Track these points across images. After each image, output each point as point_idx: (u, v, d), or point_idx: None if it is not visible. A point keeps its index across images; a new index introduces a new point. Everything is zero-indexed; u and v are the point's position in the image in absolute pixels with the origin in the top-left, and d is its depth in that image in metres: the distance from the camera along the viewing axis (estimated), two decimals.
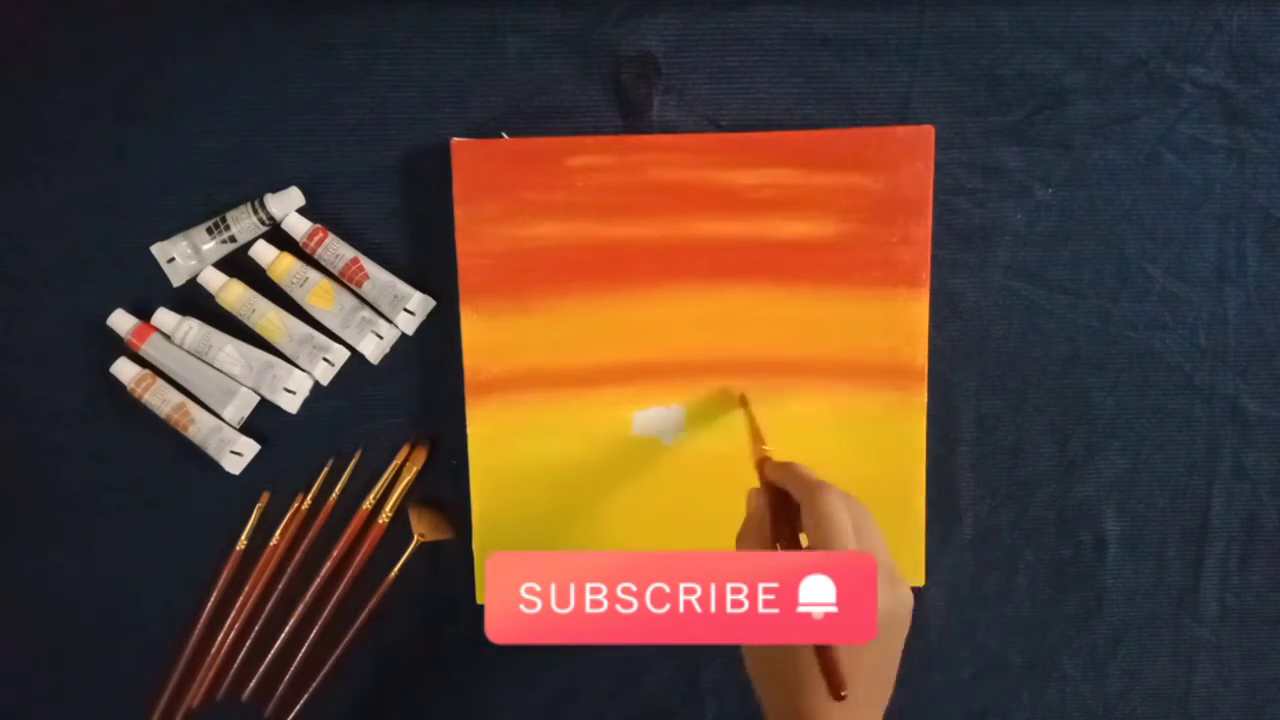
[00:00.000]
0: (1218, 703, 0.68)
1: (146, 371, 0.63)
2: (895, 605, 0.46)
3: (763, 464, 0.52)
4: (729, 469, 0.64)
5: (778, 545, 0.49)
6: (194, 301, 0.63)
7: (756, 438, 0.56)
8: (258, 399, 0.63)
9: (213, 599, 0.65)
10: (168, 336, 0.62)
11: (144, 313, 0.63)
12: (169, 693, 0.65)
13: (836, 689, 0.43)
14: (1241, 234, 0.65)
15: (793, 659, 0.45)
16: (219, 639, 0.65)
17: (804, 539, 0.48)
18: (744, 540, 0.50)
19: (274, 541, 0.65)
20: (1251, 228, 0.65)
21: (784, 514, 0.49)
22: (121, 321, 0.62)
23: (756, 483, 0.52)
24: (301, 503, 0.65)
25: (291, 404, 0.63)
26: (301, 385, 0.63)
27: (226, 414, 0.63)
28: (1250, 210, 0.64)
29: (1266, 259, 0.65)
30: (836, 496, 0.47)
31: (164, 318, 0.62)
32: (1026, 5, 0.63)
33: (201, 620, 0.65)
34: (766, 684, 0.48)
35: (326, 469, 0.65)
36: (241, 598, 0.65)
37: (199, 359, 0.63)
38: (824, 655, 0.44)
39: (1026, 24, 0.63)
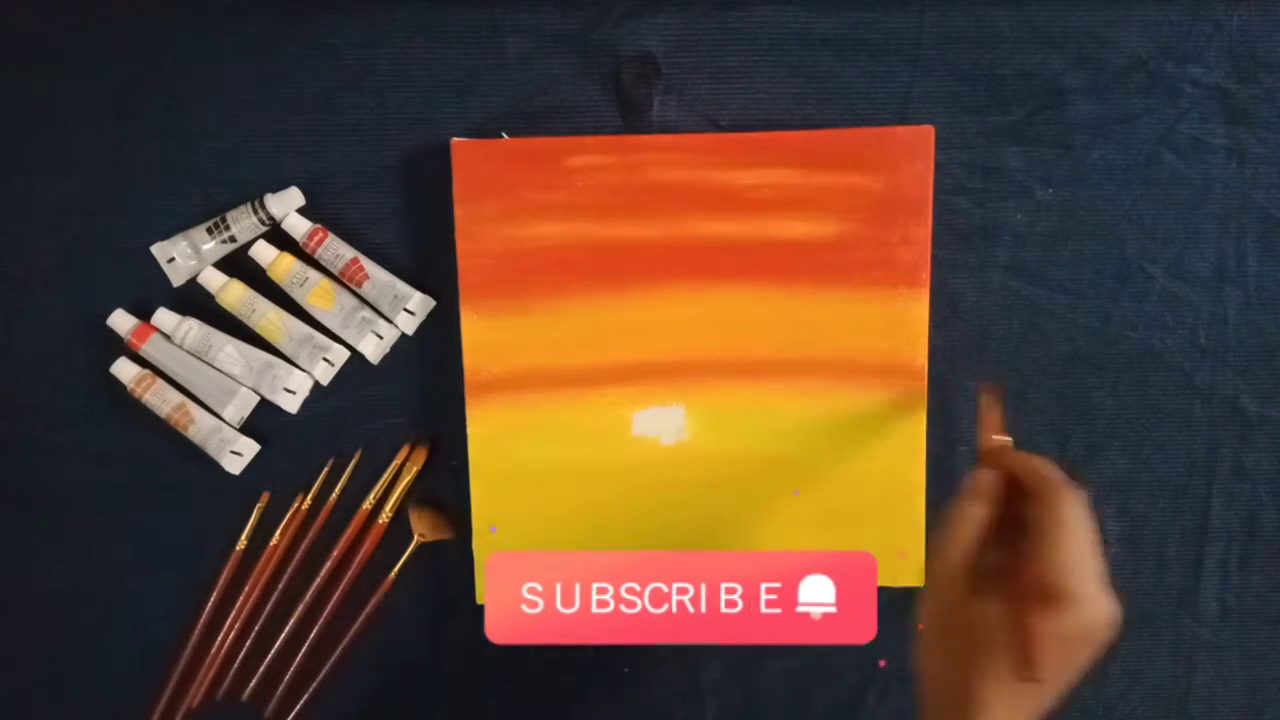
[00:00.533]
0: (1218, 703, 0.68)
1: (146, 371, 0.63)
2: (1111, 615, 0.45)
3: (1005, 452, 0.50)
4: (729, 469, 0.64)
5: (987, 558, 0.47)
6: (194, 301, 0.63)
7: (992, 431, 0.53)
8: (258, 399, 0.63)
9: (213, 599, 0.65)
10: (168, 336, 0.62)
11: (144, 313, 0.63)
12: (169, 693, 0.65)
13: (1032, 672, 0.43)
14: (1241, 234, 0.65)
15: (983, 634, 0.45)
16: (219, 639, 0.65)
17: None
18: (967, 506, 0.48)
19: (274, 541, 0.65)
20: (1251, 228, 0.65)
21: (1005, 521, 0.48)
22: (121, 321, 0.62)
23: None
24: (301, 503, 0.65)
25: (291, 404, 0.64)
26: (301, 385, 0.63)
27: (226, 414, 0.63)
28: (1250, 210, 0.64)
29: (1266, 259, 0.65)
30: (1080, 499, 0.46)
31: (164, 318, 0.62)
32: (1026, 5, 0.63)
33: (201, 620, 0.65)
34: (944, 654, 0.47)
35: (326, 469, 0.65)
36: (241, 598, 0.65)
37: (199, 359, 0.63)
38: (1029, 638, 0.43)
39: (1026, 24, 0.63)
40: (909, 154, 0.62)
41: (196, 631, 0.65)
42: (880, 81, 0.63)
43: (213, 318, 0.63)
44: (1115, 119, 0.64)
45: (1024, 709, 0.45)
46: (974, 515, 0.48)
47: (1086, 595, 0.44)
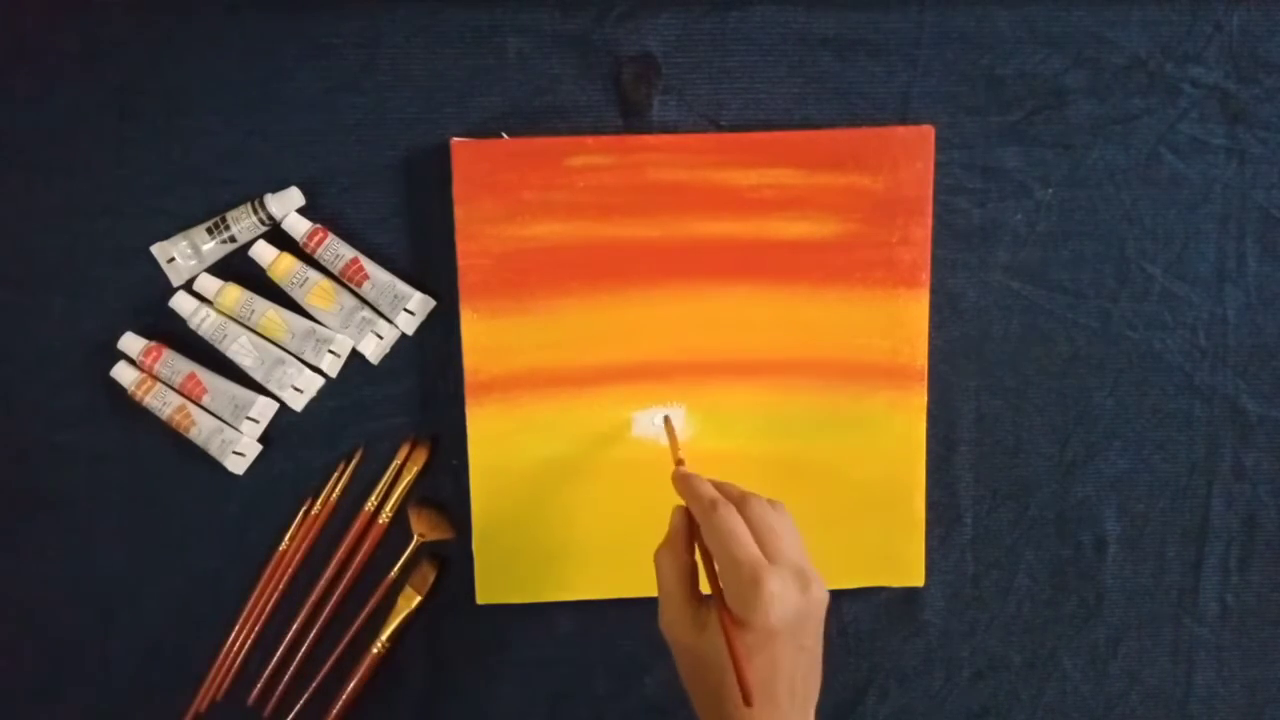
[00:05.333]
0: (1218, 703, 0.68)
1: (146, 375, 0.63)
2: (809, 605, 0.46)
3: (675, 479, 0.53)
4: (729, 469, 0.63)
5: (696, 558, 0.50)
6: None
7: (674, 454, 0.57)
8: (277, 406, 0.63)
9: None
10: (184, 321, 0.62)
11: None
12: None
13: (746, 698, 0.44)
14: (1241, 234, 0.65)
15: (717, 669, 0.46)
16: (228, 643, 0.65)
17: None
18: (661, 554, 0.51)
19: (283, 547, 0.64)
20: (1251, 228, 0.65)
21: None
22: (132, 344, 0.62)
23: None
24: (310, 507, 0.64)
25: (298, 402, 0.63)
26: (310, 384, 0.63)
27: (244, 428, 0.63)
28: (1250, 210, 0.65)
29: (1266, 259, 0.65)
30: (726, 512, 0.48)
31: (182, 301, 0.62)
32: (1026, 5, 0.63)
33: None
34: (697, 694, 0.49)
35: (337, 473, 0.64)
36: (251, 602, 0.65)
37: (211, 371, 0.63)
38: (735, 665, 0.44)
39: (1026, 24, 0.63)
40: (909, 154, 0.62)
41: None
42: (880, 81, 0.63)
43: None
44: (1115, 119, 0.64)
45: (797, 715, 0.46)
46: (676, 559, 0.50)
47: (751, 599, 0.45)
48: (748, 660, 0.45)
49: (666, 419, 0.62)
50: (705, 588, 0.50)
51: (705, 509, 0.49)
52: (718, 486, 0.51)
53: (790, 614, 0.45)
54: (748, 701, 0.44)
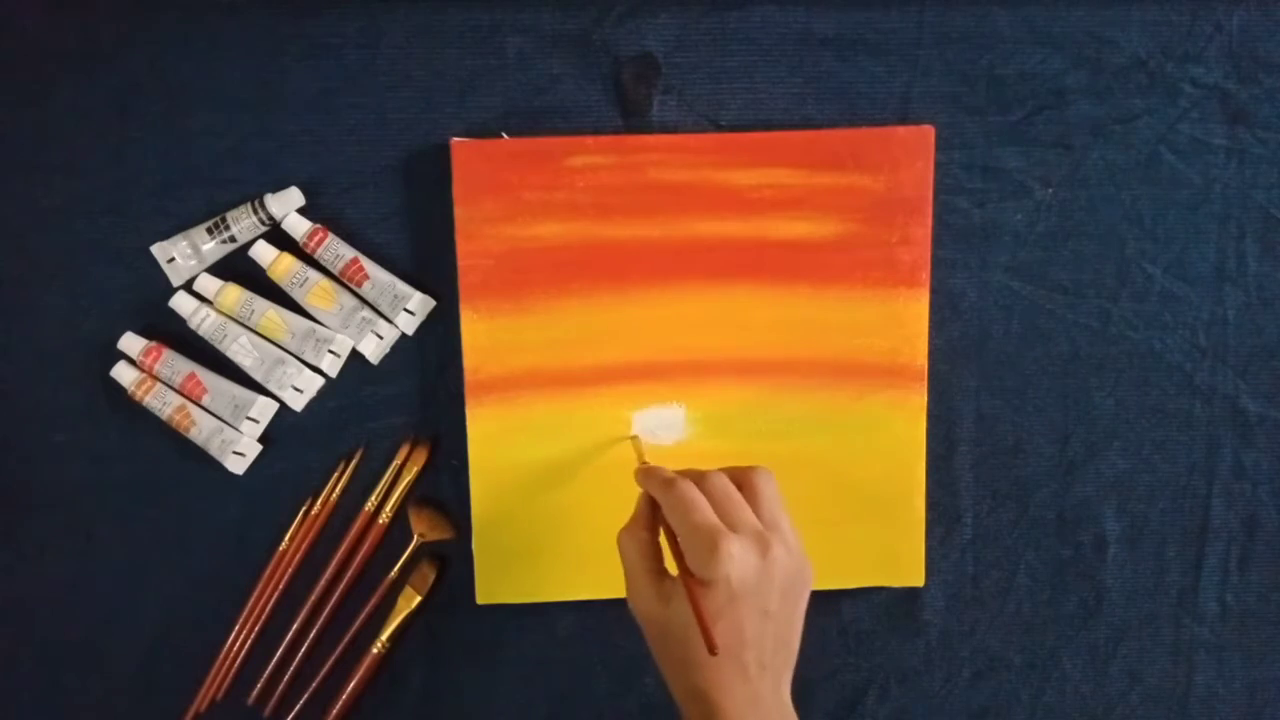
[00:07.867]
0: (1218, 703, 0.68)
1: (146, 375, 0.63)
2: (769, 568, 0.47)
3: (637, 474, 0.55)
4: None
5: (661, 540, 0.52)
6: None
7: (639, 457, 0.60)
8: (277, 406, 0.63)
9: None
10: (184, 321, 0.62)
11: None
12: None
13: (710, 648, 0.45)
14: (1241, 234, 0.65)
15: (683, 638, 0.47)
16: (227, 643, 0.65)
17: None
18: (622, 536, 0.52)
19: (283, 547, 0.64)
20: (1251, 228, 0.65)
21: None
22: (132, 344, 0.62)
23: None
24: (310, 507, 0.64)
25: (298, 402, 0.63)
26: (310, 384, 0.63)
27: (244, 428, 0.63)
28: (1250, 210, 0.65)
29: (1266, 259, 0.65)
30: (683, 485, 0.50)
31: (182, 301, 0.62)
32: (1026, 5, 0.63)
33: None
34: (668, 667, 0.50)
35: (337, 473, 0.64)
36: (251, 602, 0.65)
37: (210, 371, 0.63)
38: (697, 617, 0.46)
39: (1026, 24, 0.63)
40: (909, 154, 0.62)
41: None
42: (880, 81, 0.63)
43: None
44: (1115, 119, 0.64)
45: (770, 682, 0.47)
46: (636, 537, 0.52)
47: (709, 561, 0.47)
48: (712, 622, 0.46)
49: (634, 437, 0.63)
50: (672, 569, 0.51)
51: (663, 486, 0.51)
52: (680, 472, 0.53)
53: (750, 575, 0.47)
54: (711, 651, 0.45)
